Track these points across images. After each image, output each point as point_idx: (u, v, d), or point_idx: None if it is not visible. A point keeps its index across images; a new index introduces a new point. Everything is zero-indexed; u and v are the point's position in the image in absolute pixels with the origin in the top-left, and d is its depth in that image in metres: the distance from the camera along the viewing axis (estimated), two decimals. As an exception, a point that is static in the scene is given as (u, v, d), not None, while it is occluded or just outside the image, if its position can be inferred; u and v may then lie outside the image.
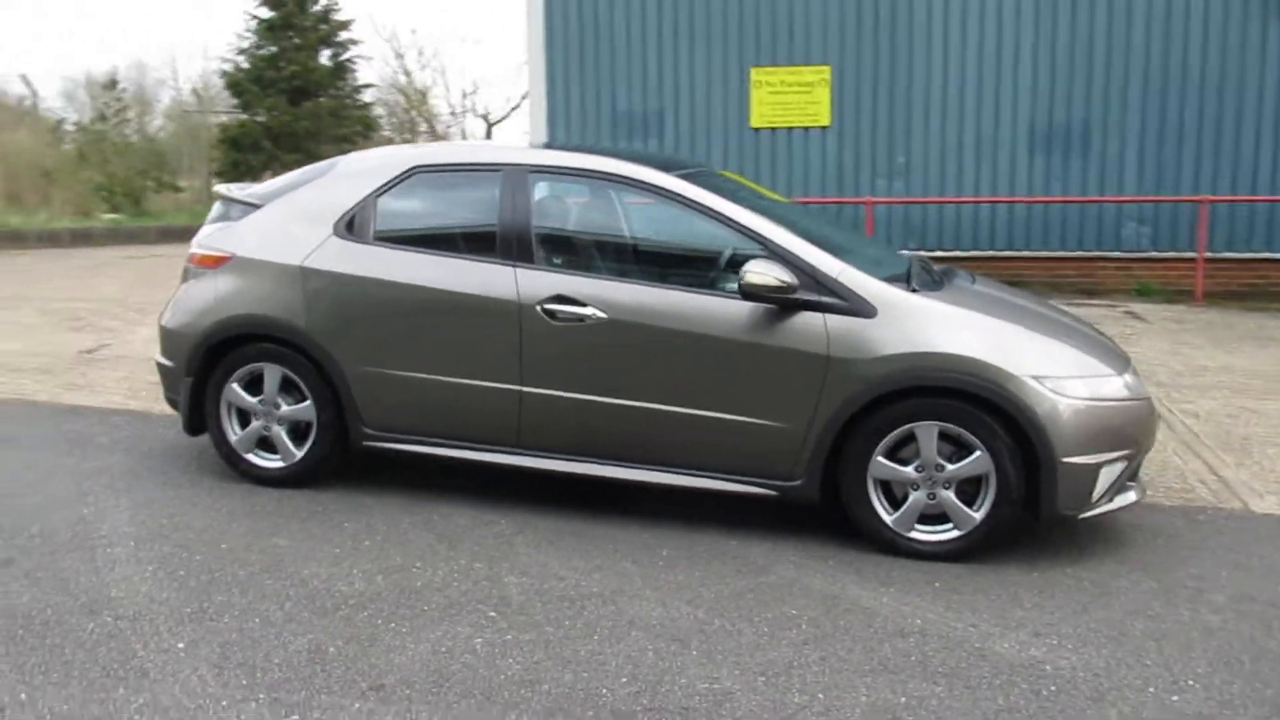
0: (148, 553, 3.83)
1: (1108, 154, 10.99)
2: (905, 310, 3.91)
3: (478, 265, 4.29)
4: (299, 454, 4.55)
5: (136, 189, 21.17)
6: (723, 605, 3.48)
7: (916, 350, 3.82)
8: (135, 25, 42.18)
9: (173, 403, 4.82)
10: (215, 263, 4.66)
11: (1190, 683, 3.00)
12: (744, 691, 2.91)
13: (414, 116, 30.17)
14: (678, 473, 4.14)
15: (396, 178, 4.53)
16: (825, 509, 4.06)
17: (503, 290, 4.21)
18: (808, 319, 3.92)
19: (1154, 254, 11.09)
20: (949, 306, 3.99)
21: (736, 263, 4.11)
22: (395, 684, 2.91)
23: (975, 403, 3.79)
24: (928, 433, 3.84)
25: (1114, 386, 3.94)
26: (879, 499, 3.94)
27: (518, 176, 4.37)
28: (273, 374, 4.54)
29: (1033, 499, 3.84)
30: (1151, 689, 2.97)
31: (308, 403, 4.50)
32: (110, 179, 20.74)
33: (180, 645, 3.12)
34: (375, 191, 4.52)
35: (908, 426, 3.85)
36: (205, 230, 4.85)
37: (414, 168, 4.55)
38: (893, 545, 3.93)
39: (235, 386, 4.59)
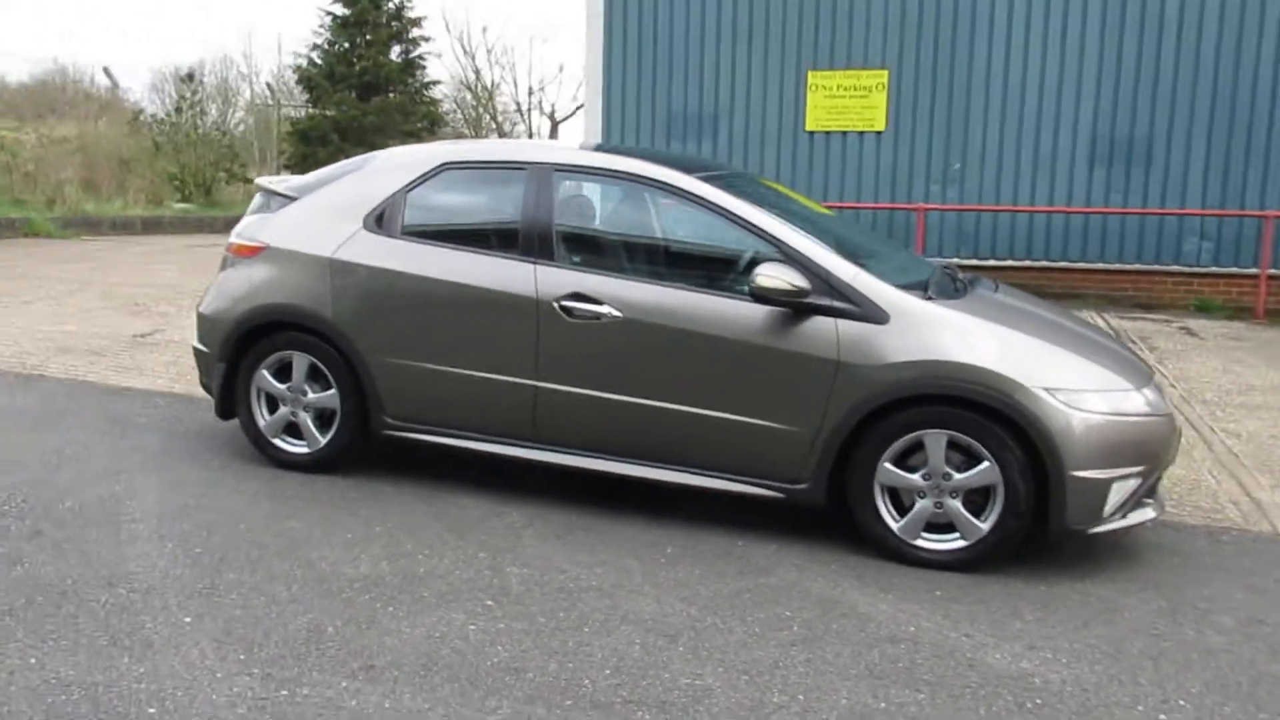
0: (170, 530, 3.98)
1: (1171, 167, 10.74)
2: (918, 318, 3.89)
3: (499, 261, 4.37)
4: (323, 441, 4.68)
5: (208, 179, 21.75)
6: (718, 604, 3.51)
7: (926, 358, 3.81)
8: (222, 20, 43.50)
9: (207, 387, 4.98)
10: (251, 252, 4.81)
11: (1181, 702, 2.96)
12: (724, 689, 2.93)
13: (481, 113, 30.53)
14: (687, 471, 4.17)
15: (427, 174, 4.63)
16: (832, 514, 4.06)
17: (522, 286, 4.28)
18: (819, 323, 3.93)
19: (1215, 269, 10.82)
20: (963, 315, 3.96)
21: (756, 265, 4.12)
22: (385, 665, 2.99)
23: (984, 412, 3.76)
24: (936, 441, 3.82)
25: (1131, 401, 3.88)
26: (886, 506, 3.93)
27: (542, 175, 4.44)
28: (301, 362, 4.67)
29: (1042, 512, 3.80)
30: (1140, 707, 2.93)
31: (332, 391, 4.62)
32: (183, 169, 21.34)
33: (187, 619, 3.24)
34: (405, 187, 4.63)
35: (916, 434, 3.84)
36: (245, 220, 5.01)
37: (444, 164, 4.65)
38: (898, 552, 3.92)
39: (265, 373, 4.73)
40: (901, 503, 3.93)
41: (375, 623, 3.27)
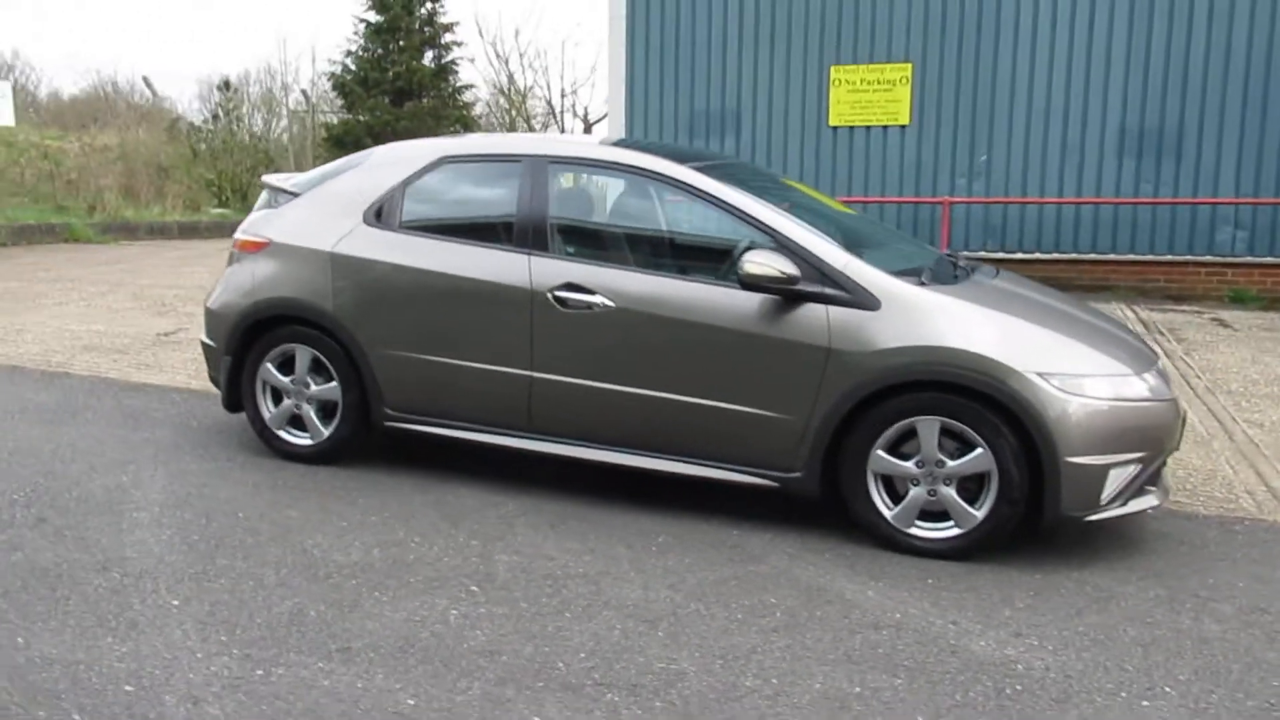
0: (170, 518, 4.04)
1: (1203, 157, 10.51)
2: (910, 304, 3.85)
3: (494, 253, 4.39)
4: (326, 432, 4.73)
5: (244, 185, 22.06)
6: (703, 590, 3.49)
7: (918, 344, 3.76)
8: (263, 31, 44.26)
9: (214, 381, 5.05)
10: (255, 248, 4.87)
11: (1167, 689, 2.90)
12: (698, 673, 2.92)
13: (515, 116, 30.67)
14: (681, 460, 4.16)
15: (425, 167, 4.67)
16: (825, 502, 4.03)
17: (516, 277, 4.30)
18: (810, 310, 3.90)
19: (1250, 259, 10.58)
20: (956, 301, 3.91)
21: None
22: (361, 648, 3.02)
23: (976, 398, 3.71)
24: (928, 428, 3.78)
25: (1130, 386, 3.81)
26: (879, 493, 3.90)
27: (538, 166, 4.46)
28: (303, 355, 4.72)
29: (1037, 499, 3.74)
30: (1123, 694, 2.87)
31: (334, 383, 4.67)
32: (220, 175, 21.67)
33: (175, 602, 3.29)
34: (404, 180, 4.66)
35: (909, 421, 3.80)
36: (250, 217, 5.07)
37: (443, 157, 4.68)
38: (891, 540, 3.88)
39: (269, 366, 4.79)
40: (895, 490, 3.89)
41: (358, 607, 3.29)
